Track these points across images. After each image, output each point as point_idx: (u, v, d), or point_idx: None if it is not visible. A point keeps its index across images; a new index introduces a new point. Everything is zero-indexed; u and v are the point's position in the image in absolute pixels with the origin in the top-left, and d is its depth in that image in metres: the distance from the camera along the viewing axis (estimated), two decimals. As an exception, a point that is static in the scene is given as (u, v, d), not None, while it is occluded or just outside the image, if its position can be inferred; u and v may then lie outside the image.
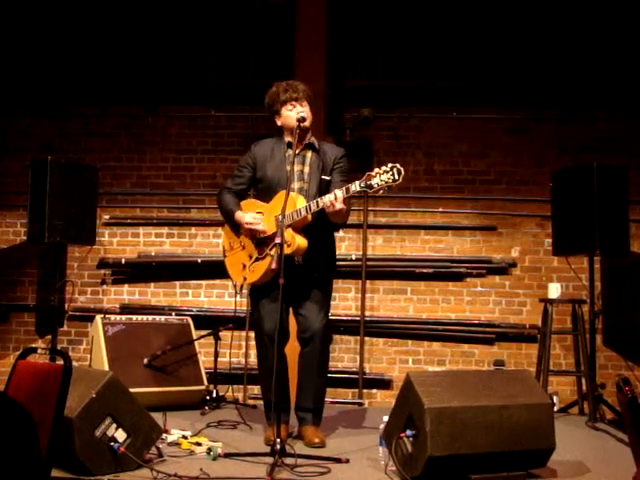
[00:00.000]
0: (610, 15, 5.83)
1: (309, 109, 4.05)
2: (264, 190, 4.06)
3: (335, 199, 3.67)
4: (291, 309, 4.09)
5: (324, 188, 3.99)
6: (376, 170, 3.60)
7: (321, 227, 3.97)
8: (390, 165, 3.57)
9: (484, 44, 6.02)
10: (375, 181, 3.58)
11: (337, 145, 4.35)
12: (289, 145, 4.04)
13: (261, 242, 3.98)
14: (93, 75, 6.25)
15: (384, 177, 3.56)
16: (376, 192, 3.62)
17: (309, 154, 4.08)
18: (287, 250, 3.76)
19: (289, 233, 3.80)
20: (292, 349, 4.11)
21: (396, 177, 3.54)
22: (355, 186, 3.65)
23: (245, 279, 4.06)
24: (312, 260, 3.97)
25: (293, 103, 4.02)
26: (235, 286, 4.58)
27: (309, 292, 4.01)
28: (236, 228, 4.09)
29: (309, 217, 3.84)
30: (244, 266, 4.05)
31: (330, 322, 4.17)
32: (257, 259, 3.98)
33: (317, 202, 3.77)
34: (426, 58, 6.09)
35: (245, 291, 5.57)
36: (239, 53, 6.23)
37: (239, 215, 4.05)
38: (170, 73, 6.28)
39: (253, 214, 4.02)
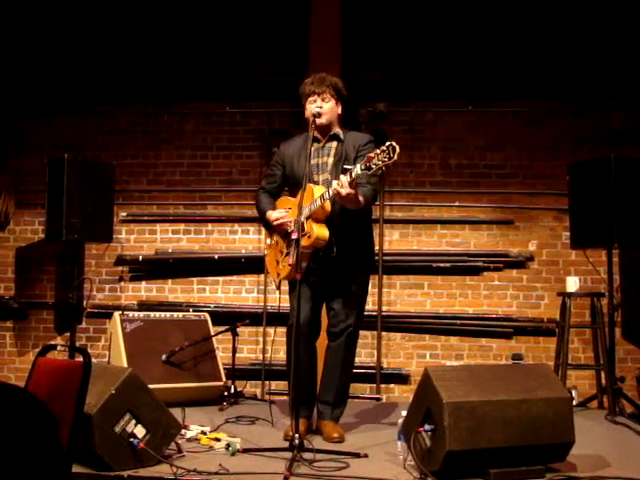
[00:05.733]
0: (625, 5, 5.78)
1: (333, 104, 4.03)
2: (294, 186, 4.07)
3: (340, 185, 3.63)
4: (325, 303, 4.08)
5: None
6: (375, 151, 3.51)
7: (354, 219, 3.95)
8: (387, 144, 3.47)
9: (499, 37, 5.99)
10: (374, 162, 3.50)
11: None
12: (315, 139, 4.02)
13: (289, 237, 3.98)
14: (108, 73, 6.28)
15: (381, 157, 3.47)
16: (375, 173, 3.55)
17: (334, 145, 4.06)
18: (307, 241, 3.77)
19: (309, 224, 3.80)
20: (322, 343, 4.11)
21: (391, 155, 3.43)
22: (356, 169, 3.59)
23: (278, 275, 4.07)
24: (347, 253, 3.94)
25: (315, 97, 4.01)
26: (274, 282, 4.51)
27: (343, 287, 3.99)
28: (269, 227, 4.13)
29: (327, 206, 3.82)
30: (277, 262, 4.08)
31: (362, 321, 4.15)
32: (286, 254, 3.99)
33: (329, 190, 3.76)
34: (440, 51, 6.08)
35: (271, 287, 5.65)
36: (253, 49, 6.24)
37: (269, 214, 4.09)
38: (184, 70, 6.31)
39: (280, 210, 4.06)
